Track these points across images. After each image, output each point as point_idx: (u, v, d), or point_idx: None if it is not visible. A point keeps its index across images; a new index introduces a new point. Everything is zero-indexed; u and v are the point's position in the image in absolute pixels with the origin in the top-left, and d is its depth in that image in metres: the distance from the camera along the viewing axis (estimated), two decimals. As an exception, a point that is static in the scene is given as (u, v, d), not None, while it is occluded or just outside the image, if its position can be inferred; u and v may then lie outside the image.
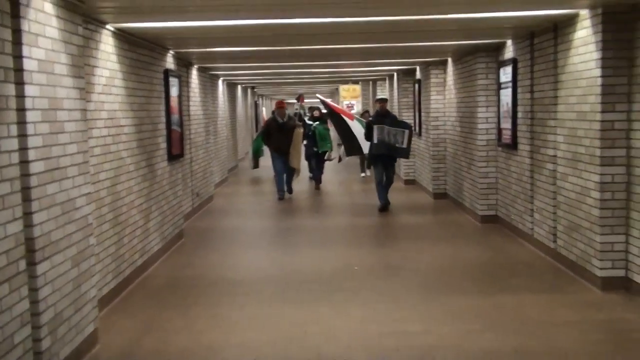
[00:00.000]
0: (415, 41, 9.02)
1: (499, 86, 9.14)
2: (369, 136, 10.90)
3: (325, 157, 14.34)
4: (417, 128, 13.64)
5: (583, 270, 6.45)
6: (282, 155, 12.70)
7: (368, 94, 21.57)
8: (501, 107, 9.08)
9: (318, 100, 13.49)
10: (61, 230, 4.43)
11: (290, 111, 15.17)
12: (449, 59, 11.57)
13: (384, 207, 10.98)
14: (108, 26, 6.26)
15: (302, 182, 14.90)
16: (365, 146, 11.36)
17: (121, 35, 6.65)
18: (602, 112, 5.96)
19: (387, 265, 7.44)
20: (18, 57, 3.94)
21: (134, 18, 6.24)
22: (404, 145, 10.74)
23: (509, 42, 8.67)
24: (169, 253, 8.21)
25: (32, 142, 4.03)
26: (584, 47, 6.27)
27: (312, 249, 8.40)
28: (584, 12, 6.24)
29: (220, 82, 15.61)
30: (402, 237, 9.10)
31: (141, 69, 7.39)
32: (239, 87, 21.04)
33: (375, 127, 10.76)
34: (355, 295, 6.27)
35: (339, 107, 13.23)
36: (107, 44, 6.25)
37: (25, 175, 3.96)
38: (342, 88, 22.16)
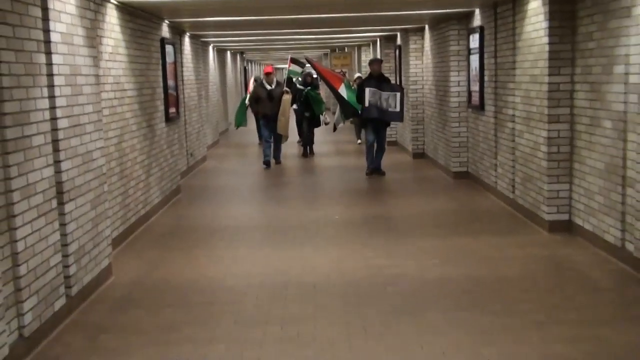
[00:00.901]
0: (395, 10, 9.75)
1: (469, 52, 9.93)
2: (360, 99, 10.66)
3: (322, 121, 13.85)
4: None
5: (534, 215, 7.35)
6: (269, 122, 12.49)
7: (354, 59, 22.25)
8: (471, 72, 9.89)
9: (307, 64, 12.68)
10: (82, 177, 5.25)
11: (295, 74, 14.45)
12: (426, 26, 12.33)
13: (372, 171, 10.85)
14: (112, 0, 7.00)
15: (292, 146, 14.90)
16: (358, 109, 10.99)
17: (123, 8, 7.39)
18: (549, 75, 6.79)
19: (364, 215, 8.30)
20: (46, 31, 4.71)
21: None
22: (397, 109, 10.54)
23: (477, 11, 9.44)
24: (169, 205, 9.06)
25: (59, 102, 4.83)
26: (535, 17, 7.08)
27: (297, 204, 9.26)
28: (536, -14, 7.04)
29: (210, 48, 16.31)
30: (382, 192, 9.95)
31: (140, 38, 8.14)
32: (229, 52, 21.69)
33: (367, 90, 10.47)
34: (334, 239, 7.16)
35: (328, 70, 12.75)
36: (111, 16, 7.00)
37: (54, 129, 4.76)
38: (333, 56, 22.45)
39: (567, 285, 5.39)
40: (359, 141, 15.44)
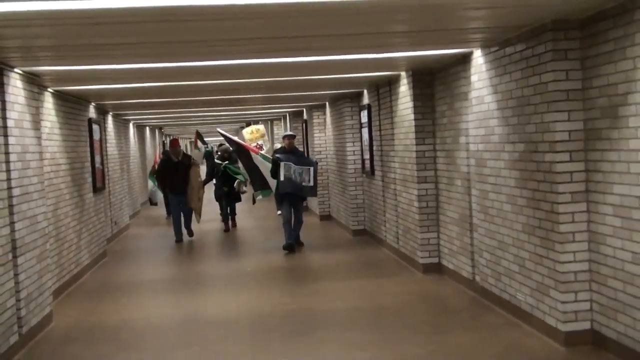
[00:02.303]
0: (300, 91, 11.31)
1: (361, 125, 11.54)
2: (275, 173, 10.57)
3: (238, 189, 13.63)
4: (306, 161, 15.93)
5: (412, 260, 8.81)
6: (178, 196, 12.06)
7: (268, 132, 23.78)
8: (363, 142, 11.48)
9: (222, 137, 12.87)
10: (30, 236, 6.34)
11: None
12: (327, 103, 13.98)
13: (290, 246, 10.47)
14: (49, 89, 8.19)
15: (214, 222, 14.57)
16: (272, 183, 11.00)
17: (57, 94, 8.58)
18: (417, 144, 8.38)
19: (273, 266, 9.53)
20: (4, 118, 5.89)
21: (67, 84, 8.21)
22: (311, 184, 10.55)
23: (365, 92, 11.10)
24: (97, 267, 10.06)
25: (13, 174, 5.96)
26: (405, 98, 8.72)
27: (214, 261, 10.44)
28: (403, 74, 8.70)
29: (131, 125, 17.47)
30: (296, 255, 11.25)
31: (71, 119, 9.30)
32: (147, 128, 22.84)
33: (282, 164, 10.38)
34: (245, 285, 8.37)
35: (242, 141, 12.54)
36: (48, 102, 8.18)
37: (10, 197, 5.88)
38: (245, 131, 22.21)
39: (428, 309, 6.80)
40: (279, 212, 15.04)
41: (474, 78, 6.88)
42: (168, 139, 34.85)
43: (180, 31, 5.12)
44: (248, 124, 25.49)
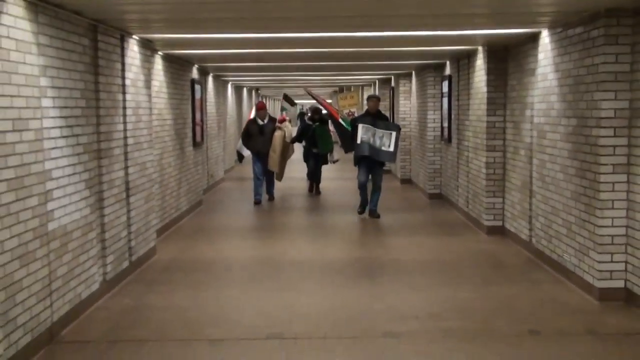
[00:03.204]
0: (388, 60, 12.00)
1: (442, 95, 12.13)
2: (353, 135, 10.26)
3: (329, 160, 13.39)
4: (391, 127, 16.63)
5: (478, 223, 9.46)
6: (261, 158, 12.18)
7: (360, 99, 24.50)
8: (442, 111, 12.08)
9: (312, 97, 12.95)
10: (140, 179, 7.45)
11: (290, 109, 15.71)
12: (413, 73, 14.58)
13: (363, 210, 10.52)
14: (159, 52, 9.27)
15: (300, 180, 14.98)
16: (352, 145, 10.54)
17: (165, 57, 9.67)
18: (488, 115, 8.96)
19: (347, 222, 10.40)
20: (123, 77, 6.95)
21: (174, 48, 9.26)
22: (390, 149, 10.08)
23: (448, 63, 11.66)
24: (194, 213, 11.25)
25: (128, 126, 7.05)
26: (480, 72, 9.28)
27: (299, 214, 11.43)
28: (480, 48, 9.25)
29: (229, 85, 18.65)
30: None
31: (177, 79, 10.40)
32: (245, 89, 24.07)
33: (360, 127, 10.09)
34: (320, 236, 9.29)
35: (327, 103, 12.26)
36: (158, 64, 9.27)
37: (125, 145, 6.97)
38: (340, 97, 22.35)
39: (484, 265, 7.50)
40: (336, 159, 14.71)
41: (540, 56, 7.41)
42: (265, 99, 36.22)
43: (271, 9, 5.98)
44: (341, 90, 26.37)
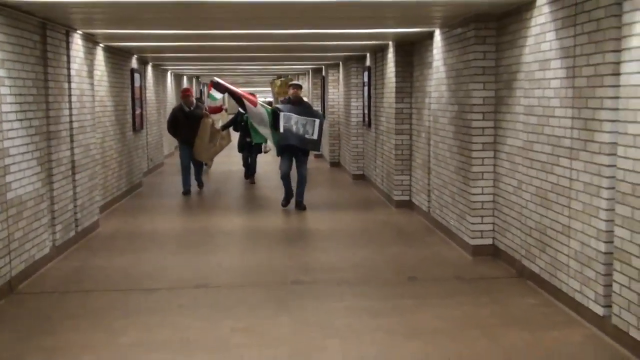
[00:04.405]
0: (319, 52, 13.09)
1: (363, 84, 13.31)
2: (275, 125, 10.05)
3: (263, 149, 13.28)
4: (323, 114, 17.78)
5: (390, 198, 10.69)
6: (188, 146, 11.80)
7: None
8: (364, 99, 13.27)
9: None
10: (84, 159, 8.36)
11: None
12: (340, 63, 15.73)
13: (287, 202, 10.34)
14: (100, 44, 10.15)
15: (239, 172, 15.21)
16: (268, 134, 10.62)
17: (106, 49, 10.54)
18: (396, 102, 10.17)
19: (275, 199, 11.50)
20: (68, 68, 7.86)
21: (114, 41, 10.15)
22: (314, 137, 9.98)
23: (368, 55, 12.84)
24: (134, 193, 12.16)
25: (74, 112, 7.96)
26: (391, 64, 10.48)
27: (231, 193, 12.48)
28: (391, 43, 10.44)
29: (169, 74, 19.46)
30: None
31: (117, 69, 11.27)
32: (185, 77, 24.84)
33: (281, 115, 9.89)
34: (248, 211, 10.37)
35: (241, 91, 11.18)
36: (99, 55, 10.14)
37: (71, 128, 7.88)
38: (274, 84, 21.97)
39: (387, 232, 8.71)
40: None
41: (435, 51, 8.62)
42: (205, 87, 36.88)
43: (204, 12, 7.00)
44: (279, 77, 27.38)
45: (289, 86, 10.67)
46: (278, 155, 10.48)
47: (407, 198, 10.31)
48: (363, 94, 13.41)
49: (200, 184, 12.49)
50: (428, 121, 9.10)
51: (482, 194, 7.14)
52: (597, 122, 4.83)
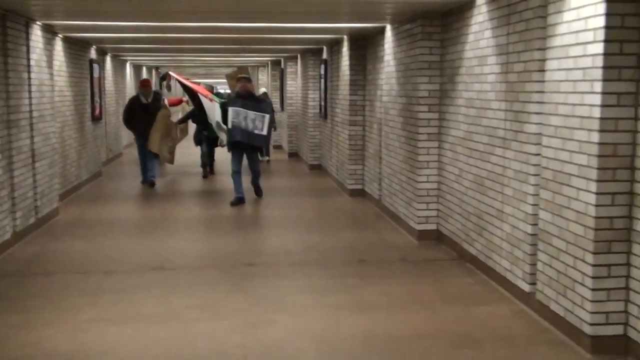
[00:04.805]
0: (277, 45, 13.37)
1: (320, 77, 13.65)
2: (224, 120, 9.89)
3: (219, 143, 12.69)
4: (281, 105, 18.10)
5: (344, 187, 11.08)
6: (145, 138, 11.54)
7: (254, 77, 25.80)
8: (321, 91, 13.61)
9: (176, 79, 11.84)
10: (44, 147, 8.54)
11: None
12: (298, 56, 16.05)
13: (238, 201, 9.87)
14: (59, 35, 10.29)
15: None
16: (219, 128, 10.44)
17: (65, 39, 10.68)
18: (350, 94, 10.54)
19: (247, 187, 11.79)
20: (28, 58, 8.03)
21: (73, 32, 10.30)
22: (264, 132, 9.74)
23: (325, 49, 13.18)
24: (93, 182, 12.33)
25: (34, 101, 8.13)
26: (345, 57, 10.84)
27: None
28: (345, 37, 10.80)
29: (127, 64, 19.52)
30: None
31: (76, 59, 11.41)
32: (144, 68, 24.85)
33: (230, 110, 9.66)
34: (207, 202, 10.64)
35: (197, 86, 11.33)
36: (58, 46, 10.29)
37: (31, 117, 8.05)
38: (228, 77, 22.70)
39: (339, 218, 9.09)
40: (267, 158, 15.25)
41: (386, 46, 9.00)
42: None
43: (162, 4, 7.25)
44: (239, 68, 27.54)
45: (237, 79, 10.27)
46: (228, 151, 10.18)
47: (360, 187, 10.70)
48: (320, 86, 13.75)
49: (152, 182, 11.72)
50: (380, 113, 9.49)
51: (427, 181, 7.55)
52: (525, 114, 5.26)
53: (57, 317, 5.13)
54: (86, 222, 8.83)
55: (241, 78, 10.20)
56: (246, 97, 9.89)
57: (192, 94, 10.59)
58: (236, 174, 9.92)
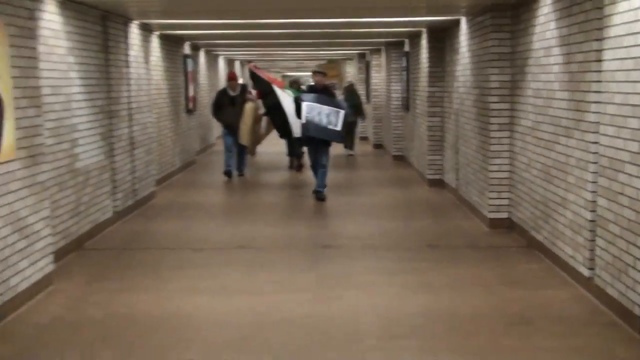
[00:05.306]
0: (362, 38, 13.78)
1: (402, 69, 13.94)
2: (298, 114, 9.81)
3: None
4: (367, 97, 18.48)
5: (424, 177, 11.36)
6: (232, 131, 11.83)
7: (342, 71, 26.26)
8: (403, 83, 13.90)
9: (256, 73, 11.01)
10: (142, 136, 9.31)
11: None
12: (383, 48, 16.37)
13: (319, 194, 9.80)
14: (155, 33, 11.07)
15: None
16: (296, 124, 10.02)
17: (161, 36, 11.47)
18: (429, 86, 10.81)
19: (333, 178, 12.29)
20: (126, 54, 8.78)
21: (168, 29, 11.05)
22: (338, 128, 9.55)
23: (406, 41, 13.46)
24: (187, 170, 13.15)
25: (133, 94, 8.88)
26: (424, 49, 11.10)
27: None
28: (424, 30, 11.06)
29: (220, 59, 20.41)
30: (346, 168, 13.94)
31: (171, 55, 12.21)
32: (237, 62, 25.81)
33: (304, 105, 9.55)
34: (279, 190, 11.19)
35: (271, 76, 11.41)
36: (154, 42, 11.07)
37: (130, 108, 8.81)
38: (319, 67, 23.74)
39: (416, 207, 9.41)
40: (351, 152, 15.51)
41: (461, 38, 9.23)
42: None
43: (253, 3, 7.79)
44: (330, 62, 28.06)
45: (313, 73, 10.21)
46: (302, 145, 9.98)
47: (439, 177, 10.96)
48: (402, 78, 14.04)
49: (241, 172, 12.20)
50: (456, 104, 9.72)
51: (499, 170, 7.77)
52: (585, 103, 5.44)
53: (150, 286, 5.76)
54: (179, 205, 9.55)
55: (317, 72, 10.14)
56: (321, 91, 9.84)
57: (269, 87, 10.48)
58: (313, 167, 10.09)
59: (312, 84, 10.26)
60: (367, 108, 18.46)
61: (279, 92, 10.19)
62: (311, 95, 9.72)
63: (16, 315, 5.09)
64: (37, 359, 4.36)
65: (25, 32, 5.45)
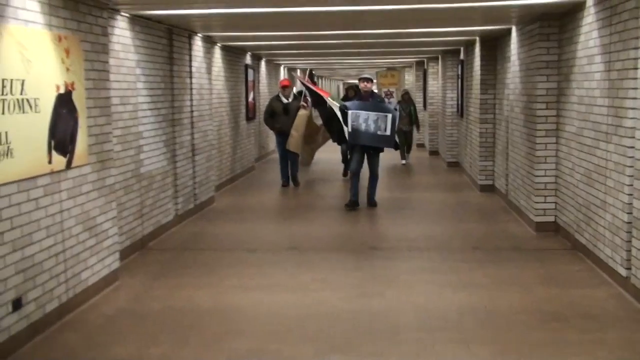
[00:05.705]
0: (419, 47, 14.06)
1: (457, 77, 14.12)
2: (345, 122, 9.57)
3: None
4: (424, 105, 18.68)
5: (476, 182, 11.53)
6: (284, 139, 11.53)
7: (401, 79, 26.46)
8: (458, 90, 14.08)
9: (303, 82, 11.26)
10: (202, 143, 9.83)
11: None
12: (439, 56, 16.56)
13: (352, 204, 9.61)
14: (217, 44, 11.62)
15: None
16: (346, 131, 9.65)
17: (223, 47, 12.01)
18: (481, 93, 10.99)
19: (386, 178, 12.60)
20: (190, 65, 9.31)
21: (230, 41, 11.59)
22: (387, 133, 9.38)
23: (462, 49, 13.64)
24: (245, 176, 13.66)
25: (194, 102, 9.41)
26: (477, 57, 11.29)
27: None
28: (477, 39, 11.25)
29: (281, 68, 20.96)
30: (402, 174, 14.21)
31: (232, 65, 12.75)
32: (298, 71, 26.34)
33: (349, 114, 9.41)
34: (333, 191, 11.56)
35: (318, 87, 11.23)
36: (217, 54, 11.62)
37: (191, 117, 9.33)
38: (380, 74, 23.31)
39: (465, 210, 9.61)
40: (404, 161, 15.28)
41: (512, 47, 9.41)
42: (318, 79, 38.43)
43: (314, 18, 8.21)
44: (389, 69, 28.27)
45: (360, 79, 9.96)
46: (347, 151, 10.08)
47: (490, 182, 11.12)
48: (457, 86, 14.22)
49: (296, 182, 12.11)
50: (506, 111, 9.89)
51: (545, 175, 7.93)
52: (623, 109, 5.60)
53: (206, 282, 6.21)
54: (236, 210, 10.03)
55: (362, 78, 9.90)
56: (367, 98, 9.74)
57: (319, 98, 10.39)
58: (355, 176, 9.67)
59: (358, 90, 10.28)
60: (424, 116, 18.65)
61: (329, 101, 10.19)
62: (356, 103, 9.65)
63: (86, 306, 5.60)
64: (103, 345, 4.83)
65: (98, 47, 5.98)
